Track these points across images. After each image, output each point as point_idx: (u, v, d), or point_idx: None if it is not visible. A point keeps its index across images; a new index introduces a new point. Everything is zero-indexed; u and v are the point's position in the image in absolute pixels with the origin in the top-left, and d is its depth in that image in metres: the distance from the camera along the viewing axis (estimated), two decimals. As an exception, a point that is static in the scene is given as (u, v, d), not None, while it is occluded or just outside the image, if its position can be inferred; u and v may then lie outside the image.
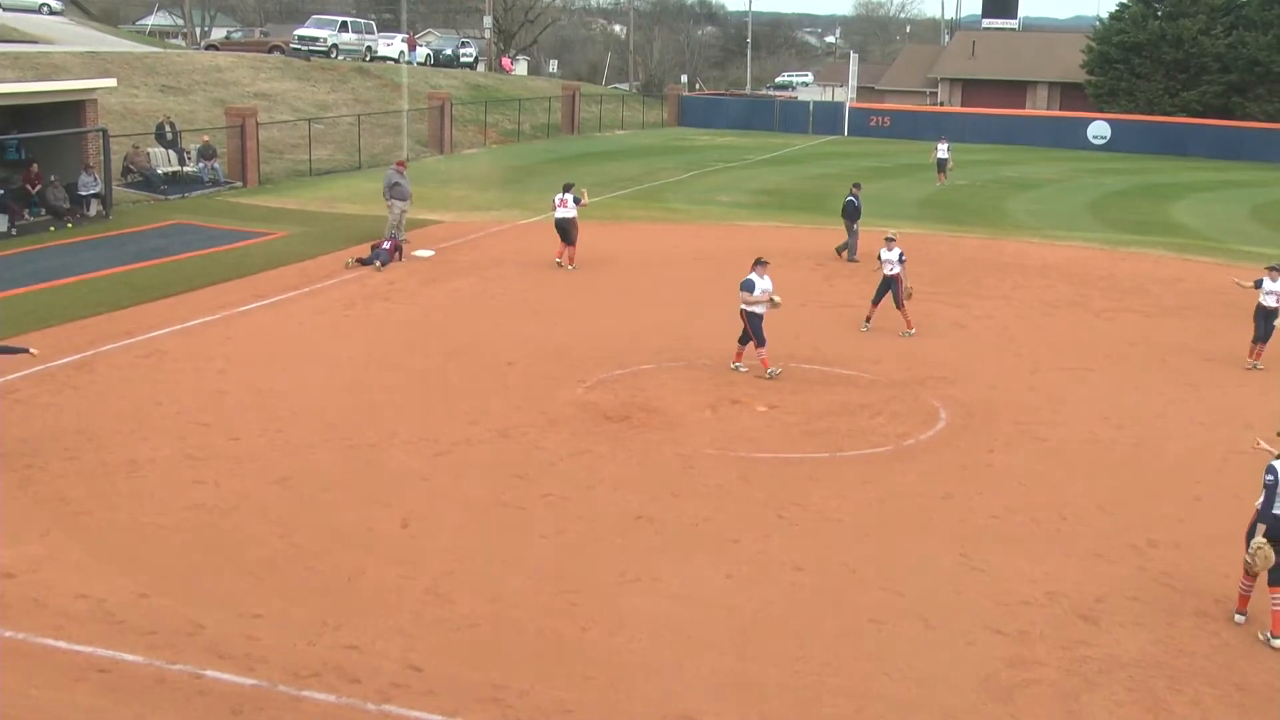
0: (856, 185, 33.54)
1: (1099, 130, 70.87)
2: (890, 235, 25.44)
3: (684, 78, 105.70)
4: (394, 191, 32.31)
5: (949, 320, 25.72)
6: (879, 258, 24.84)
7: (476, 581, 12.98)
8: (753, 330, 20.99)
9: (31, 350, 18.01)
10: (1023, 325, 25.75)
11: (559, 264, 30.43)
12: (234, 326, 23.56)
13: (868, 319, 24.83)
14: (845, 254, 32.45)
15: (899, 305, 24.46)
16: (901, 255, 24.69)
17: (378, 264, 29.33)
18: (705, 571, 13.41)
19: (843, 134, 75.57)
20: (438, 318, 24.87)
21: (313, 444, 17.11)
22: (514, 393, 19.84)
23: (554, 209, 30.75)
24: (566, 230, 30.60)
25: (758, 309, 20.93)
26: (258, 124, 43.65)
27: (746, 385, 20.46)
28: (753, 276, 21.03)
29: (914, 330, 24.42)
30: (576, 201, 30.78)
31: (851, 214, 32.49)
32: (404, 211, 32.52)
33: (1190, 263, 34.08)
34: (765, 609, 12.61)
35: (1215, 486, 16.58)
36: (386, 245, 30.10)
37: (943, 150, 51.81)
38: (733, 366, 21.28)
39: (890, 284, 24.47)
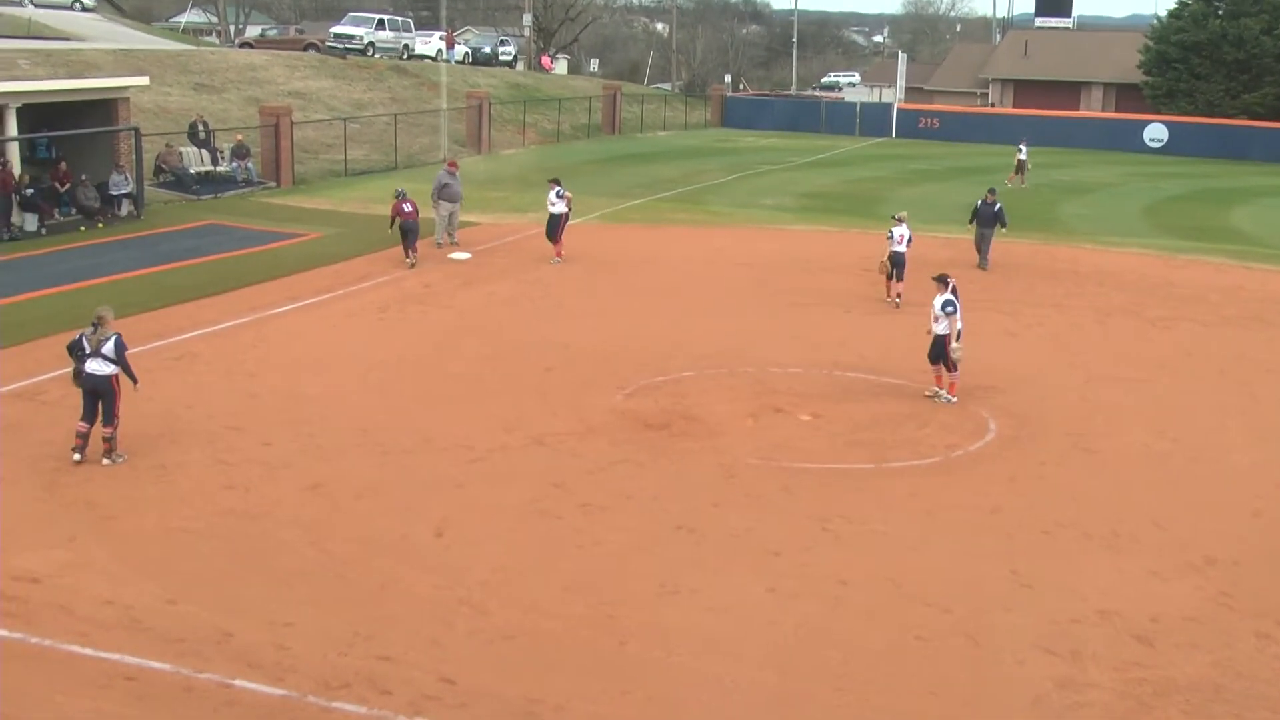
0: (991, 190, 33.44)
1: (1156, 133, 70.35)
2: (900, 215, 27.80)
3: (728, 78, 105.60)
4: (443, 193, 32.49)
5: (999, 328, 25.58)
6: (888, 235, 27.43)
7: (512, 592, 12.98)
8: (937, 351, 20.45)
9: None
10: (1075, 334, 25.57)
11: (557, 261, 30.96)
12: (266, 329, 23.69)
13: (897, 295, 27.19)
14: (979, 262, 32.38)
15: (898, 279, 27.05)
16: (910, 238, 27.14)
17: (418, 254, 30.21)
18: (746, 584, 13.36)
19: (890, 136, 75.32)
20: (474, 321, 24.93)
21: (345, 449, 17.17)
22: (552, 399, 19.86)
23: (550, 206, 31.45)
24: (555, 227, 31.27)
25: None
26: (292, 123, 43.93)
27: (789, 394, 20.39)
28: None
29: (899, 302, 26.90)
30: (561, 196, 31.30)
31: (987, 221, 32.42)
32: (452, 213, 32.67)
33: (1251, 270, 33.76)
34: (807, 624, 12.55)
35: (1276, 502, 16.40)
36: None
37: (1024, 152, 52.15)
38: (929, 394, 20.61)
39: (901, 260, 27.07)
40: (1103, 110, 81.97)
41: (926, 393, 20.39)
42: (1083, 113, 79.39)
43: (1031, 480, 16.97)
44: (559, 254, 31.37)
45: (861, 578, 13.63)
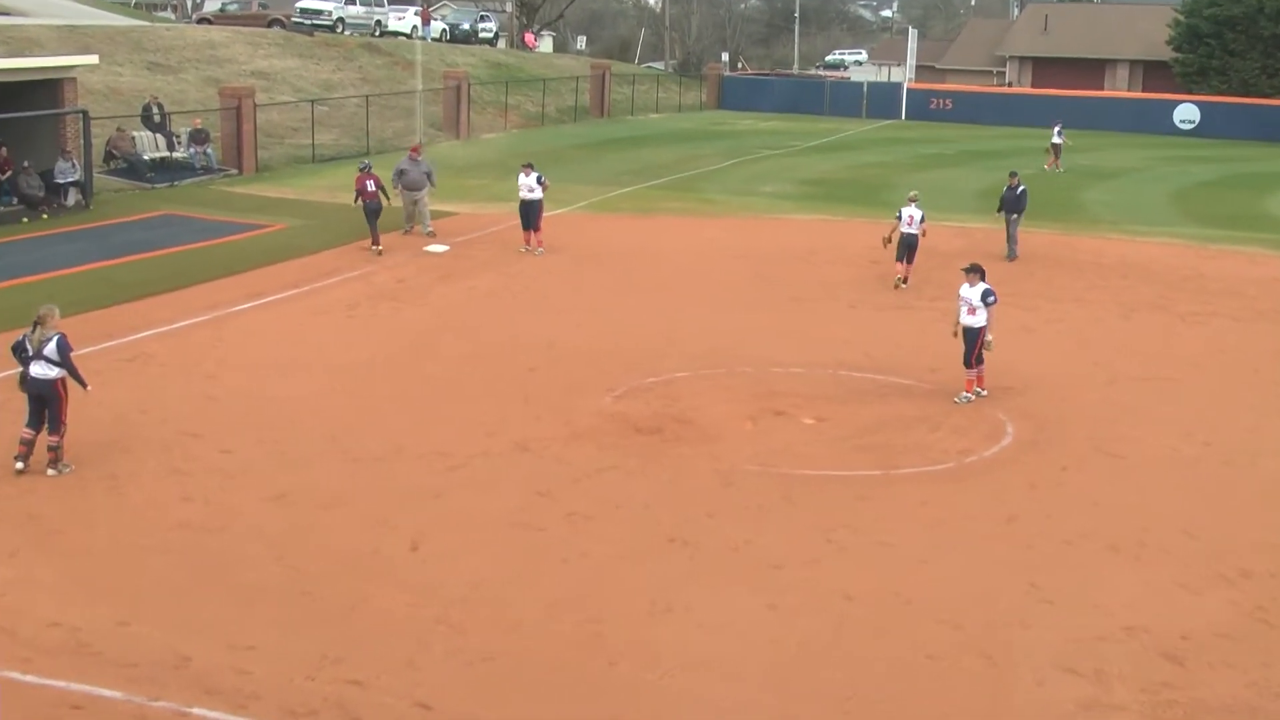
0: (1012, 174, 33.57)
1: (1186, 114, 70.49)
2: (913, 194, 29.13)
3: (725, 56, 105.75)
4: (402, 180, 32.55)
5: (1017, 324, 25.59)
6: (897, 215, 28.60)
7: (492, 610, 12.99)
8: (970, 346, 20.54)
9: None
10: (1099, 330, 25.62)
11: (528, 251, 31.25)
12: (226, 328, 23.67)
13: (904, 279, 28.32)
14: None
15: (908, 260, 28.30)
16: (923, 218, 28.13)
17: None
18: (745, 600, 13.38)
19: (900, 118, 75.39)
20: (451, 318, 24.94)
21: (312, 457, 17.17)
22: (535, 401, 19.87)
23: (519, 190, 31.70)
24: (530, 213, 31.56)
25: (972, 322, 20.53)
26: (255, 105, 43.88)
27: (791, 396, 20.41)
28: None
29: (904, 284, 28.17)
30: (540, 183, 31.56)
31: (1009, 206, 32.61)
32: (416, 202, 32.70)
33: (1288, 261, 33.85)
34: (811, 642, 12.56)
35: (1315, 510, 16.45)
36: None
37: (1058, 135, 52.74)
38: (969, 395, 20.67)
39: (910, 241, 28.29)
40: (1129, 90, 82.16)
41: (957, 399, 20.38)
42: (1107, 93, 79.56)
43: (1051, 487, 16.99)
44: (540, 244, 31.60)
45: (868, 592, 13.65)
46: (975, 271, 20.53)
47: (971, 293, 20.40)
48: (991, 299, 20.31)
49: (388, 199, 31.59)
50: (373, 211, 30.73)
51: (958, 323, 20.66)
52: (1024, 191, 32.68)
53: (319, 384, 20.45)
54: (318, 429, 18.27)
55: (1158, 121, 70.43)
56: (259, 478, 16.37)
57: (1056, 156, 52.46)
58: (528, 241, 31.71)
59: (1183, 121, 70.32)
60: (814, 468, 17.38)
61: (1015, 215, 32.52)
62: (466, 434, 18.23)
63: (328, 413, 19.03)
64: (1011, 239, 32.56)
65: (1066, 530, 15.49)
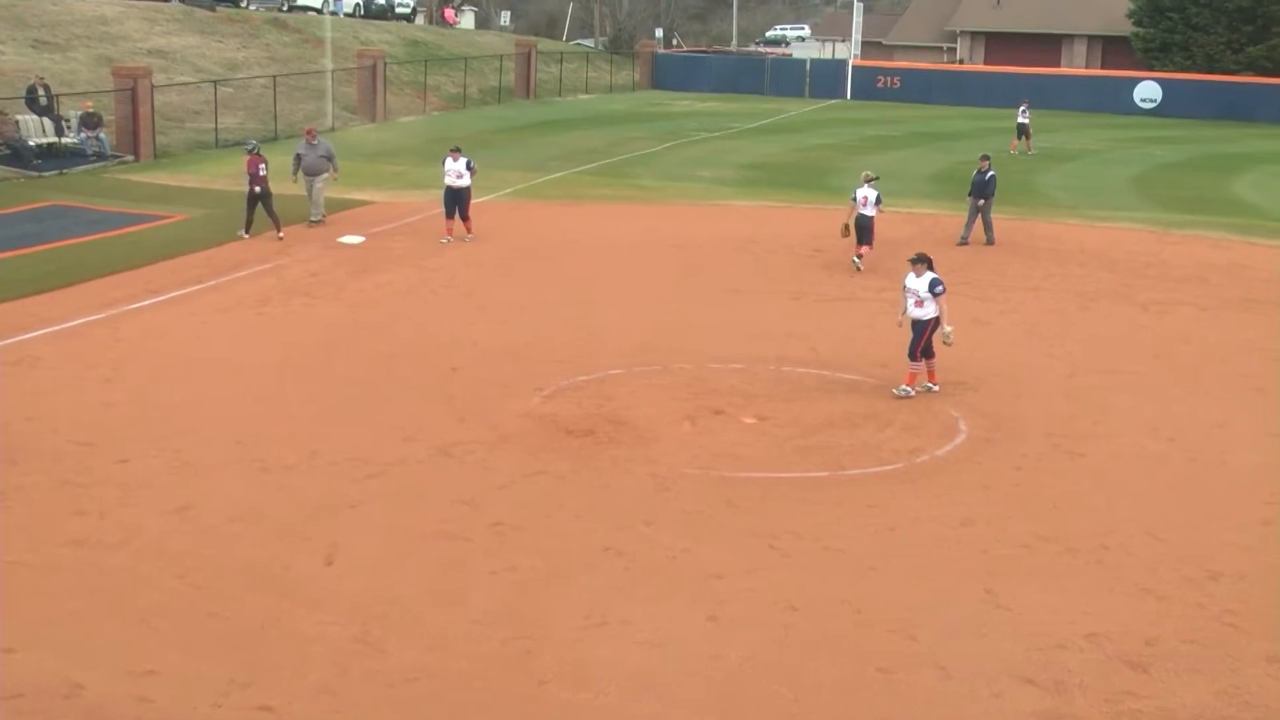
0: (983, 157, 33.91)
1: (1148, 92, 71.30)
2: (871, 175, 29.89)
3: (659, 32, 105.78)
4: (300, 164, 32.48)
5: (969, 316, 25.76)
6: (852, 198, 29.44)
7: (413, 628, 12.92)
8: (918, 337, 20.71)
9: None
10: (1056, 321, 25.84)
11: (449, 240, 31.43)
12: (123, 327, 23.44)
13: (857, 256, 29.18)
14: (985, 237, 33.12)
15: (866, 243, 29.18)
16: (879, 198, 28.89)
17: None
18: (684, 613, 13.37)
19: (845, 97, 75.79)
20: (368, 315, 24.82)
21: (218, 466, 17.02)
22: (458, 403, 19.81)
23: (444, 175, 31.82)
24: (457, 201, 31.71)
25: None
26: (152, 87, 43.48)
27: (731, 394, 20.46)
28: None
29: (860, 265, 28.93)
30: (469, 168, 31.70)
31: (977, 191, 32.99)
32: (312, 188, 32.53)
33: (1256, 247, 34.23)
34: (754, 657, 12.58)
35: (1285, 508, 16.65)
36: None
37: (1024, 115, 53.12)
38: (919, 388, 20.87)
39: (863, 223, 29.14)
40: (1087, 67, 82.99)
41: (896, 391, 20.51)
42: (1064, 70, 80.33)
43: (1008, 488, 17.12)
44: (469, 231, 31.69)
45: (814, 602, 13.67)
46: (921, 261, 20.62)
47: (918, 284, 20.50)
48: (939, 289, 20.40)
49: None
50: (262, 196, 30.76)
51: (903, 313, 20.79)
52: (993, 177, 33.00)
53: (225, 387, 20.29)
54: (223, 436, 18.12)
55: (1117, 100, 71.19)
56: (159, 490, 16.21)
57: (1024, 137, 52.91)
58: (450, 231, 31.67)
59: (1144, 100, 71.11)
60: (756, 470, 17.43)
61: (983, 200, 32.83)
62: (384, 439, 18.15)
63: (234, 418, 18.88)
64: (987, 226, 33.02)
65: (1024, 533, 15.59)
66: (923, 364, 20.58)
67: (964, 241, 32.74)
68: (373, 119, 55.55)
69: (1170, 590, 14.22)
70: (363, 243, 31.19)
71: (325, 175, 32.77)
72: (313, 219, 32.69)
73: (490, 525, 15.39)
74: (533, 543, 14.98)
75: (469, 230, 31.66)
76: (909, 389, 20.45)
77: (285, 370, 21.26)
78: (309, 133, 33.61)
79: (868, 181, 29.61)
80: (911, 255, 21.07)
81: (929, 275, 20.48)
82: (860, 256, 29.36)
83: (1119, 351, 23.68)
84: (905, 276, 20.85)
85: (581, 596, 13.67)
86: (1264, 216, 39.29)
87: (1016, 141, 52.77)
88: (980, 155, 34.30)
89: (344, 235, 31.61)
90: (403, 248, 30.87)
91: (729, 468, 17.45)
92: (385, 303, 25.86)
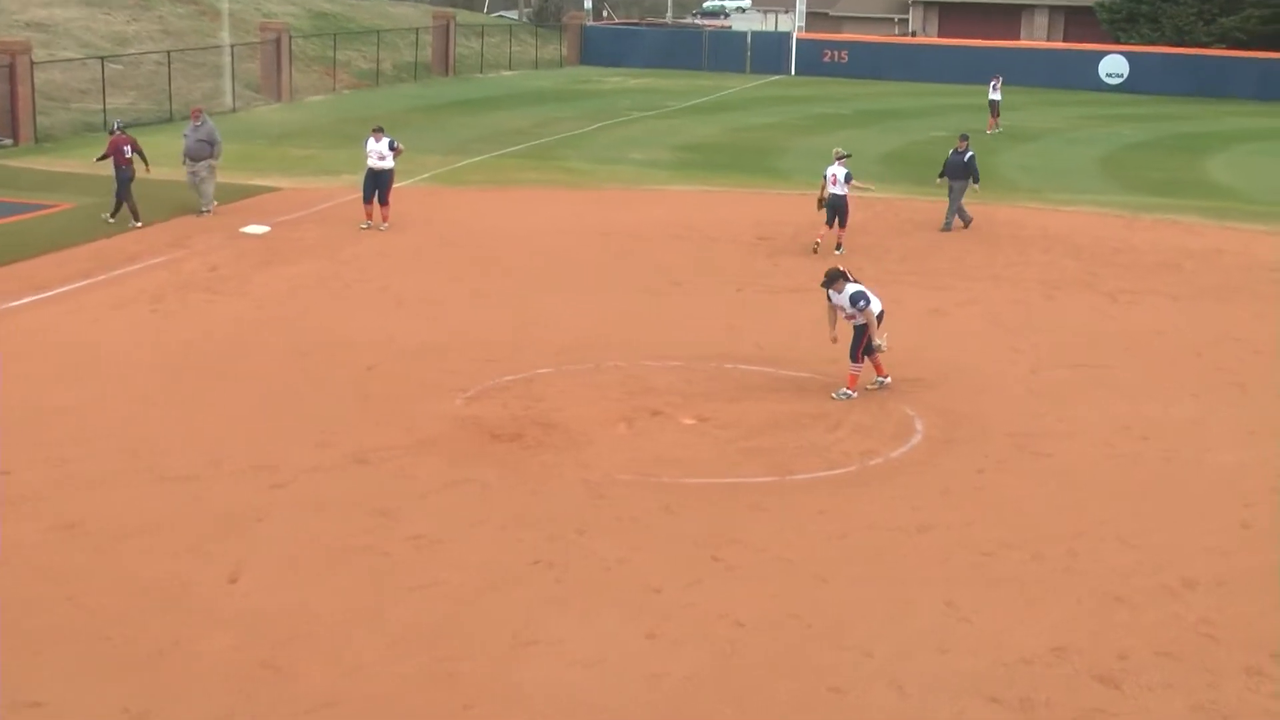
0: (962, 137, 34.46)
1: (1114, 66, 71.93)
2: (842, 152, 30.61)
3: (588, 4, 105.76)
4: (185, 149, 32.32)
5: (924, 307, 25.93)
6: (823, 176, 30.19)
7: (328, 650, 12.86)
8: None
9: None
10: (1018, 312, 26.03)
11: (370, 227, 31.48)
12: (4, 326, 23.20)
13: (817, 243, 29.99)
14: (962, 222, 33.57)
15: (840, 224, 30.12)
16: (849, 176, 29.55)
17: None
18: (620, 630, 13.38)
19: (789, 73, 76.05)
20: (275, 311, 24.70)
21: (110, 477, 16.88)
22: (375, 406, 19.74)
23: (366, 157, 31.86)
24: (379, 184, 31.70)
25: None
26: (32, 63, 43.05)
27: (669, 393, 20.49)
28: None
29: (841, 250, 29.73)
30: (393, 149, 31.71)
31: (955, 172, 33.41)
32: (194, 175, 32.29)
33: (1231, 231, 34.62)
34: (697, 676, 12.59)
35: (1268, 510, 16.80)
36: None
37: (995, 91, 53.46)
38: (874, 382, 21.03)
39: (838, 204, 29.92)
40: (1049, 40, 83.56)
41: (835, 395, 20.55)
42: (1024, 43, 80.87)
43: (968, 491, 17.23)
44: (385, 219, 31.64)
45: (761, 617, 13.71)
46: (836, 279, 20.54)
47: (841, 299, 20.52)
48: (863, 303, 20.31)
49: (146, 166, 31.72)
50: (124, 181, 30.81)
51: (833, 329, 20.88)
52: (972, 157, 33.29)
53: (117, 390, 20.13)
54: (116, 444, 17.97)
55: (1081, 75, 71.76)
56: (44, 504, 16.03)
57: (995, 115, 53.32)
58: (370, 216, 31.65)
59: (1110, 75, 71.72)
60: (697, 475, 17.46)
61: (961, 184, 33.13)
62: (294, 445, 18.06)
63: (128, 424, 18.73)
64: (955, 209, 33.34)
65: (986, 540, 15.69)
66: (862, 364, 20.59)
67: (947, 228, 33.12)
68: (277, 98, 55.24)
69: (1143, 599, 14.33)
70: (268, 233, 31.02)
71: (207, 161, 32.47)
72: (202, 209, 32.44)
73: (410, 537, 15.34)
74: (456, 556, 14.95)
75: (385, 218, 31.56)
76: (850, 392, 20.51)
77: (184, 372, 21.10)
78: (195, 113, 33.42)
79: (839, 159, 30.13)
80: (822, 280, 20.85)
81: (849, 288, 20.46)
82: (819, 241, 29.99)
83: (1086, 345, 23.86)
84: (828, 294, 20.82)
85: (510, 613, 13.65)
86: (1239, 199, 39.75)
87: (993, 120, 53.19)
88: (959, 135, 34.72)
89: (247, 225, 31.41)
90: (312, 237, 30.73)
91: (668, 473, 17.47)
92: (293, 297, 25.73)
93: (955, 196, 33.41)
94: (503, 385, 20.80)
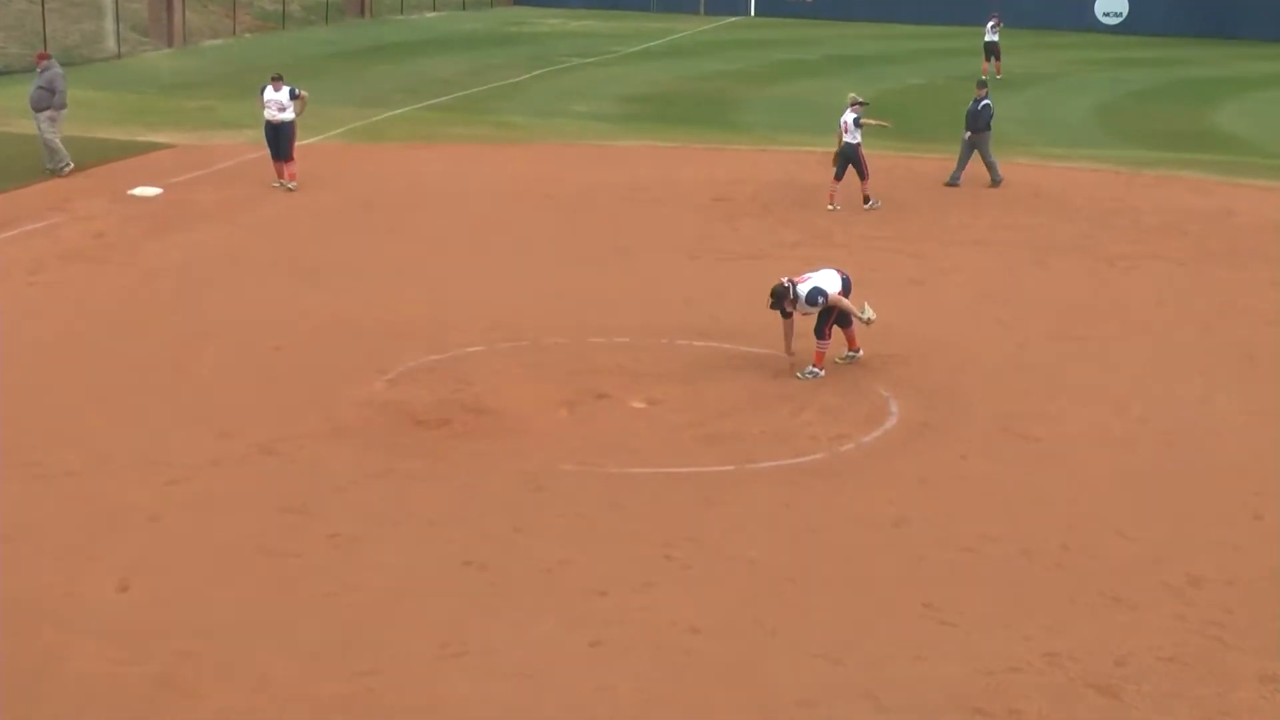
0: (979, 84, 34.95)
1: (1112, 4, 72.06)
2: (857, 98, 31.42)
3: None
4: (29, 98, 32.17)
5: (902, 275, 26.00)
6: (839, 124, 30.94)
7: (232, 664, 12.84)
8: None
9: None
10: (1006, 280, 26.15)
11: (281, 186, 31.59)
12: None
13: (832, 198, 30.92)
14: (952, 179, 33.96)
15: (860, 175, 30.78)
16: (859, 119, 30.18)
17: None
18: (561, 638, 13.41)
19: (748, 13, 76.02)
20: (169, 284, 24.60)
21: (-17, 472, 16.82)
22: (284, 390, 19.70)
23: (263, 109, 31.79)
24: (279, 138, 31.67)
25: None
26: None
27: (616, 373, 20.50)
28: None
29: (879, 202, 30.89)
30: (294, 97, 31.65)
31: (973, 124, 33.79)
32: (38, 128, 32.00)
33: (1243, 189, 34.77)
34: (647, 689, 12.63)
35: (1280, 499, 16.98)
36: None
37: (992, 33, 53.58)
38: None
39: (850, 153, 30.65)
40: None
41: (800, 375, 20.63)
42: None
43: (949, 481, 17.32)
44: (291, 177, 31.58)
45: (720, 623, 13.76)
46: (784, 296, 20.41)
47: (800, 308, 20.56)
48: (822, 299, 20.31)
49: None
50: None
51: (789, 343, 20.98)
52: (985, 106, 33.50)
53: (-9, 375, 20.03)
54: (-10, 434, 17.91)
55: (1076, 14, 71.87)
56: (-89, 501, 15.99)
57: (994, 59, 53.60)
58: (281, 175, 31.63)
59: (1107, 15, 71.91)
60: (648, 465, 17.51)
61: (982, 136, 33.48)
62: (192, 436, 18.00)
63: (1, 414, 18.65)
64: (989, 164, 33.75)
65: (969, 534, 15.77)
66: (829, 340, 20.65)
67: (954, 182, 33.58)
68: (168, 42, 54.84)
69: (1144, 599, 14.43)
70: (160, 195, 30.84)
71: (47, 112, 32.07)
72: (48, 166, 32.03)
73: (325, 537, 15.32)
74: (377, 557, 14.94)
75: (291, 176, 31.50)
76: (818, 370, 20.58)
77: (65, 354, 20.98)
78: (40, 58, 33.23)
79: (852, 105, 30.78)
80: (768, 302, 20.72)
81: (802, 290, 20.35)
82: (833, 199, 30.85)
83: (1081, 316, 23.99)
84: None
85: (437, 621, 13.66)
86: (1252, 152, 39.91)
87: (986, 65, 53.27)
88: (976, 81, 35.02)
89: (136, 187, 31.19)
90: (212, 200, 30.57)
91: (615, 462, 17.51)
92: (191, 268, 25.62)
93: (966, 149, 33.79)
94: (428, 366, 20.78)
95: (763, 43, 63.66)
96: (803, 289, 20.40)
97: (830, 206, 30.92)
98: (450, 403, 19.33)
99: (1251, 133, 43.49)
